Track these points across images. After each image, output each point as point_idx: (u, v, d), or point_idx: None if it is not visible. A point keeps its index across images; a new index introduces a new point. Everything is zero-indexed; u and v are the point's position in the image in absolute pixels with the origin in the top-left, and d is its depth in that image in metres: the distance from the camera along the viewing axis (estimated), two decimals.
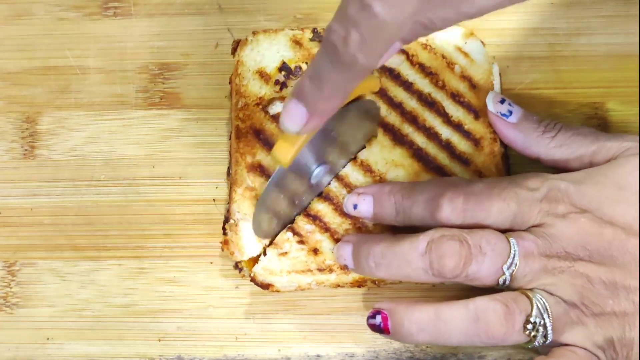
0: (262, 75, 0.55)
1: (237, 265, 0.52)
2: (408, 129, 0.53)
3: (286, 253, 0.51)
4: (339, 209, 0.51)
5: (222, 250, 0.52)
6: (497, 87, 0.54)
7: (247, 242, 0.51)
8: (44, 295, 0.55)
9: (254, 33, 0.56)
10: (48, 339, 0.54)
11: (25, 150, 0.58)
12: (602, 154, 0.48)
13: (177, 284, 0.54)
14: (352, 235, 0.50)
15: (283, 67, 0.55)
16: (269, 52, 0.55)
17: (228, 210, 0.52)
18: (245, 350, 0.53)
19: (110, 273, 0.55)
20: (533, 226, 0.47)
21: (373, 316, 0.48)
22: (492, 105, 0.52)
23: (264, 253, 0.51)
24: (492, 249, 0.46)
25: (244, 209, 0.52)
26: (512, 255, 0.46)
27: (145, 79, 0.59)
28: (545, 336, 0.46)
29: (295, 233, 0.51)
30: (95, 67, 0.60)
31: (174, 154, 0.57)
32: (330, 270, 0.50)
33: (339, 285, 0.51)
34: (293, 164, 0.46)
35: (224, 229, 0.52)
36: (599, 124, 0.56)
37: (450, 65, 0.54)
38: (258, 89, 0.54)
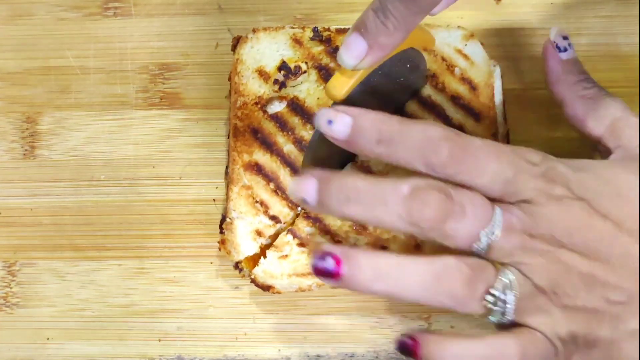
0: (262, 74, 0.55)
1: (237, 266, 0.52)
2: None
3: (286, 256, 0.51)
4: None
5: (219, 249, 0.52)
6: (498, 89, 0.54)
7: (243, 241, 0.51)
8: (44, 295, 0.55)
9: (254, 31, 0.56)
10: (48, 339, 0.54)
11: (25, 150, 0.58)
12: (614, 136, 0.48)
13: (177, 284, 0.54)
14: (313, 170, 0.44)
15: (283, 66, 0.55)
16: (269, 51, 0.55)
17: (225, 209, 0.52)
18: (245, 350, 0.53)
19: (110, 273, 0.55)
20: (524, 201, 0.44)
21: (322, 257, 0.43)
22: (553, 34, 0.51)
23: (264, 255, 0.51)
24: (474, 211, 0.43)
25: (239, 207, 0.52)
26: (493, 223, 0.43)
27: (145, 79, 0.59)
28: (504, 313, 0.44)
29: (295, 236, 0.51)
30: (95, 67, 0.60)
31: (174, 154, 0.57)
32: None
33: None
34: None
35: (220, 228, 0.52)
36: None
37: (450, 67, 0.54)
38: (257, 87, 0.54)
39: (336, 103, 0.46)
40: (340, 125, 0.43)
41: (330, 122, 0.44)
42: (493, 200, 0.44)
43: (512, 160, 0.44)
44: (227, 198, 0.53)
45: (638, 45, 0.57)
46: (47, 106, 0.59)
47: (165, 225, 0.56)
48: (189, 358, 0.53)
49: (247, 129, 0.53)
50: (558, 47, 0.51)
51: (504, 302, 0.44)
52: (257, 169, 0.52)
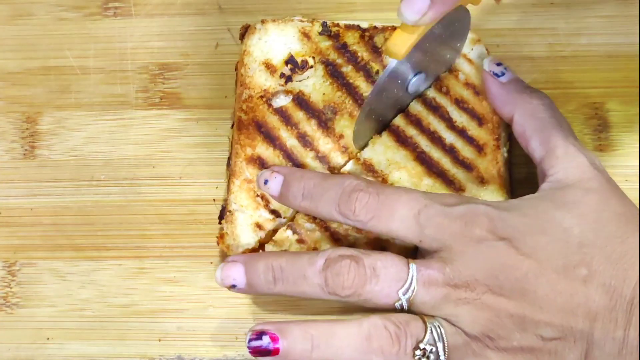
0: (269, 66, 0.55)
1: None
2: (412, 131, 0.53)
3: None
4: None
5: (218, 244, 0.52)
6: None
7: (242, 233, 0.51)
8: (44, 295, 0.55)
9: (263, 22, 0.56)
10: (48, 339, 0.54)
11: (25, 150, 0.58)
12: (551, 163, 0.48)
13: (177, 284, 0.54)
14: (237, 255, 0.49)
15: (290, 60, 0.54)
16: (277, 43, 0.55)
17: (225, 201, 0.52)
18: (245, 350, 0.53)
19: (110, 273, 0.55)
20: (444, 246, 0.45)
21: (258, 337, 0.46)
22: (487, 65, 0.52)
23: (262, 249, 0.51)
24: (387, 272, 0.45)
25: (240, 200, 0.52)
26: (409, 280, 0.45)
27: (145, 79, 0.59)
28: None
29: (295, 232, 0.51)
30: (95, 67, 0.60)
31: (174, 154, 0.57)
32: None
33: None
34: (392, 77, 0.47)
35: (220, 220, 0.52)
36: (599, 124, 0.56)
37: (454, 72, 0.54)
38: (263, 80, 0.54)
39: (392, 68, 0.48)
40: (273, 184, 0.49)
41: (266, 181, 0.49)
42: (415, 250, 0.47)
43: (425, 204, 0.45)
44: (227, 190, 0.53)
45: (638, 45, 0.57)
46: (47, 106, 0.59)
47: (165, 225, 0.56)
48: (189, 358, 0.53)
49: (251, 122, 0.53)
50: (495, 74, 0.52)
51: (436, 354, 0.44)
52: (259, 162, 0.52)
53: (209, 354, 0.53)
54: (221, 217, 0.52)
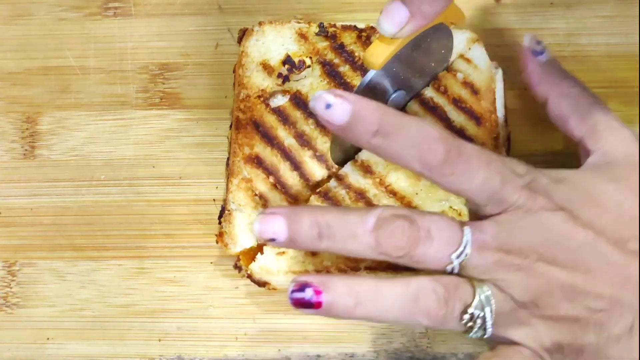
0: (266, 67, 0.55)
1: (237, 265, 0.52)
2: None
3: (283, 253, 0.51)
4: None
5: (217, 242, 0.52)
6: (499, 92, 0.54)
7: (241, 233, 0.51)
8: (44, 295, 0.55)
9: (260, 23, 0.56)
10: (48, 339, 0.54)
11: (25, 150, 0.58)
12: (594, 138, 0.48)
13: (177, 284, 0.54)
14: (277, 207, 0.46)
15: (287, 60, 0.55)
16: (274, 44, 0.55)
17: (224, 201, 0.53)
18: (245, 350, 0.53)
19: (110, 273, 0.55)
20: (505, 211, 0.44)
21: (301, 289, 0.43)
22: (527, 40, 0.52)
23: (261, 251, 0.51)
24: (441, 235, 0.43)
25: (239, 199, 0.52)
26: (463, 244, 0.43)
27: (145, 79, 0.59)
28: (484, 329, 0.44)
29: None
30: (95, 67, 0.60)
31: (174, 154, 0.57)
32: (328, 272, 0.50)
33: None
34: (370, 88, 0.47)
35: (219, 220, 0.52)
36: None
37: (452, 71, 0.54)
38: (261, 81, 0.54)
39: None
40: (338, 110, 0.42)
41: (328, 106, 0.42)
42: (477, 207, 0.45)
43: (501, 169, 0.44)
44: (226, 190, 0.53)
45: (638, 45, 0.57)
46: (47, 106, 0.59)
47: (165, 225, 0.56)
48: (189, 358, 0.53)
49: (249, 122, 0.53)
50: (534, 52, 0.52)
51: (483, 319, 0.44)
52: (257, 162, 0.52)
53: (209, 354, 0.53)
54: (221, 216, 0.52)
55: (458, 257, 0.44)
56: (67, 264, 0.55)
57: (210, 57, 0.59)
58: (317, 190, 0.52)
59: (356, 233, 0.43)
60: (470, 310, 0.44)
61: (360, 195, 0.51)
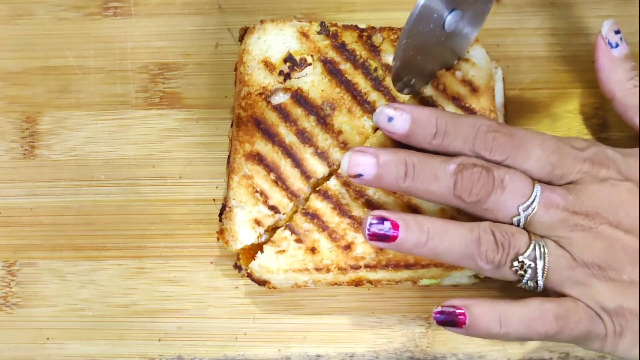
0: (267, 64, 0.55)
1: (236, 265, 0.52)
2: None
3: (283, 251, 0.51)
4: (337, 208, 0.51)
5: (218, 240, 0.52)
6: (499, 91, 0.54)
7: (241, 230, 0.51)
8: (44, 295, 0.55)
9: (262, 21, 0.56)
10: (48, 339, 0.54)
11: (25, 150, 0.58)
12: None
13: (177, 284, 0.54)
14: (365, 147, 0.48)
15: (288, 58, 0.55)
16: (276, 42, 0.55)
17: (225, 198, 0.53)
18: (245, 350, 0.53)
19: (110, 273, 0.55)
20: (570, 182, 0.47)
21: (380, 222, 0.47)
22: (605, 29, 0.52)
23: (261, 250, 0.51)
24: (513, 185, 0.46)
25: (239, 196, 0.52)
26: (531, 198, 0.46)
27: (145, 79, 0.59)
28: (535, 282, 0.46)
29: (293, 231, 0.51)
30: (95, 67, 0.60)
31: (174, 154, 0.57)
32: (328, 270, 0.50)
33: (335, 284, 0.51)
34: (425, 10, 0.47)
35: (220, 217, 0.52)
36: (599, 123, 0.56)
37: (451, 69, 0.54)
38: (262, 78, 0.54)
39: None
40: (400, 121, 0.48)
41: (390, 119, 0.48)
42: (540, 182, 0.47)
43: (557, 145, 0.47)
44: (227, 187, 0.53)
45: (638, 45, 0.57)
46: (47, 106, 0.59)
47: (165, 225, 0.56)
48: (189, 358, 0.53)
49: (249, 119, 0.53)
50: (610, 43, 0.52)
51: (534, 270, 0.46)
52: (258, 158, 0.52)
53: (209, 354, 0.53)
54: (221, 214, 0.52)
55: (525, 210, 0.46)
56: (67, 264, 0.55)
57: (210, 57, 0.59)
58: (317, 189, 0.52)
59: (438, 175, 0.47)
60: (520, 258, 0.46)
61: (360, 194, 0.51)
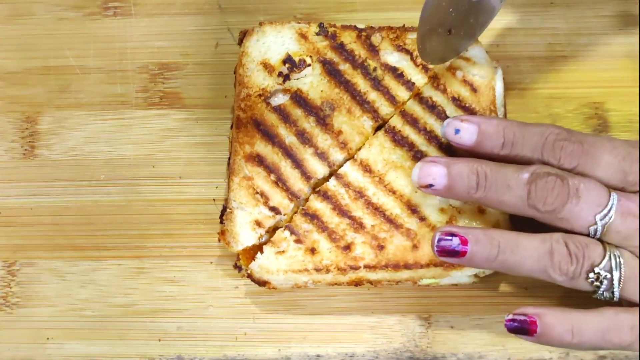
0: (266, 66, 0.55)
1: (236, 265, 0.52)
2: (409, 131, 0.53)
3: (283, 252, 0.51)
4: (337, 209, 0.51)
5: (219, 241, 0.52)
6: (499, 91, 0.54)
7: (242, 231, 0.51)
8: (44, 295, 0.55)
9: (261, 24, 0.56)
10: (48, 339, 0.54)
11: (25, 150, 0.58)
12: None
13: (177, 284, 0.54)
14: (436, 157, 0.48)
15: (287, 59, 0.55)
16: (274, 44, 0.55)
17: (226, 200, 0.53)
18: (245, 350, 0.53)
19: (110, 273, 0.55)
20: None
21: (448, 238, 0.47)
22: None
23: (261, 250, 0.51)
24: (588, 194, 0.46)
25: (240, 198, 0.52)
26: (608, 207, 0.46)
27: (145, 79, 0.59)
28: (612, 292, 0.46)
29: (292, 232, 0.51)
30: (95, 67, 0.60)
31: (174, 154, 0.57)
32: (327, 271, 0.50)
33: (335, 284, 0.51)
34: None
35: (221, 218, 0.52)
36: (599, 123, 0.56)
37: (452, 70, 0.54)
38: (261, 80, 0.54)
39: None
40: (467, 133, 0.48)
41: (457, 131, 0.48)
42: (615, 189, 0.47)
43: (628, 152, 0.47)
44: (228, 188, 0.53)
45: (638, 45, 0.57)
46: (47, 106, 0.59)
47: (165, 225, 0.56)
48: (189, 358, 0.53)
49: (249, 121, 0.53)
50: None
51: (609, 281, 0.46)
52: (258, 160, 0.52)
53: (209, 354, 0.53)
54: (222, 215, 0.52)
55: (602, 219, 0.46)
56: (67, 263, 0.55)
57: (210, 57, 0.59)
58: (317, 189, 0.52)
59: (511, 185, 0.46)
60: (597, 270, 0.46)
61: (360, 194, 0.51)
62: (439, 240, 0.47)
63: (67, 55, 0.60)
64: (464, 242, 0.46)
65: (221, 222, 0.52)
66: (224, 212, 0.52)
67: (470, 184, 0.47)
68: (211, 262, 0.55)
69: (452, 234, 0.46)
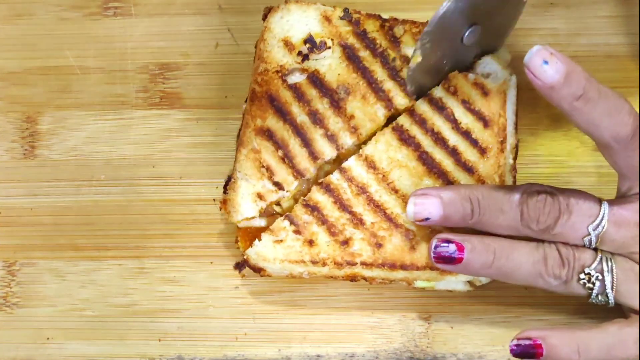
0: (287, 44, 0.55)
1: (237, 265, 0.52)
2: (416, 131, 0.53)
3: (281, 241, 0.51)
4: (338, 202, 0.51)
5: (220, 209, 0.52)
6: (511, 98, 0.53)
7: (243, 202, 0.51)
8: (44, 295, 0.55)
9: (286, 1, 0.56)
10: (48, 339, 0.54)
11: (25, 150, 0.58)
12: None
13: (177, 284, 0.54)
14: (425, 189, 0.48)
15: (309, 39, 0.55)
16: (298, 23, 0.55)
17: (232, 170, 0.52)
18: (245, 350, 0.53)
19: (111, 273, 0.55)
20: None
21: (445, 245, 0.47)
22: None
23: (259, 237, 0.51)
24: (579, 207, 0.46)
25: (245, 169, 0.52)
26: (600, 217, 0.46)
27: (145, 79, 0.59)
28: (605, 295, 0.46)
29: (292, 222, 0.51)
30: (95, 67, 0.60)
31: (174, 154, 0.57)
32: (324, 264, 0.50)
33: (331, 277, 0.51)
34: (444, 20, 0.48)
35: (225, 188, 0.52)
36: None
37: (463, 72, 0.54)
38: (281, 57, 0.55)
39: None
40: (552, 70, 0.44)
41: (545, 62, 0.44)
42: (631, 188, 0.46)
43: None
44: (235, 159, 0.52)
45: (638, 45, 0.57)
46: (47, 106, 0.59)
47: (165, 225, 0.56)
48: (189, 358, 0.53)
49: (264, 95, 0.53)
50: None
51: (602, 283, 0.46)
52: (268, 134, 0.53)
53: (209, 354, 0.53)
54: (226, 185, 0.52)
55: (595, 229, 0.46)
56: (67, 264, 0.55)
57: (210, 57, 0.59)
58: (320, 181, 0.52)
59: (504, 208, 0.47)
60: (587, 270, 0.46)
61: (362, 190, 0.51)
62: (436, 247, 0.47)
63: (67, 55, 0.60)
64: (461, 249, 0.47)
65: (224, 192, 0.52)
66: (228, 182, 0.52)
67: (465, 212, 0.47)
68: (211, 262, 0.55)
69: (449, 241, 0.47)
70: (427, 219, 0.48)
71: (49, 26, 0.61)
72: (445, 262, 0.47)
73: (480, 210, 0.47)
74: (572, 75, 0.44)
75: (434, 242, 0.47)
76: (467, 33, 0.51)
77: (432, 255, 0.47)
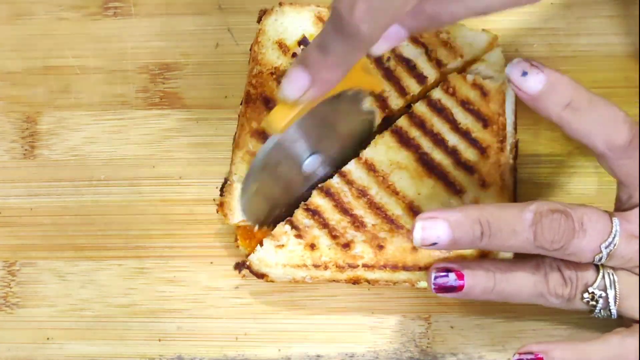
0: (281, 46, 0.55)
1: (237, 265, 0.52)
2: (415, 133, 0.53)
3: (283, 246, 0.51)
4: (339, 206, 0.51)
5: (217, 212, 0.52)
6: (510, 98, 0.53)
7: (238, 204, 0.51)
8: (44, 295, 0.55)
9: (281, 4, 0.56)
10: (48, 339, 0.54)
11: (25, 150, 0.58)
12: None
13: (177, 284, 0.54)
14: (432, 212, 0.45)
15: (303, 41, 0.55)
16: (292, 25, 0.56)
17: (228, 173, 0.52)
18: (245, 350, 0.53)
19: (111, 273, 0.55)
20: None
21: (444, 275, 0.47)
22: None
23: (261, 243, 0.51)
24: (593, 226, 0.45)
25: (241, 171, 0.52)
26: (612, 234, 0.45)
27: (145, 79, 0.59)
28: (608, 310, 0.46)
29: (293, 226, 0.51)
30: (95, 67, 0.60)
31: (174, 154, 0.57)
32: (326, 267, 0.50)
33: (333, 281, 0.51)
34: (282, 149, 0.47)
35: (221, 191, 0.52)
36: None
37: (462, 72, 0.54)
38: (275, 58, 0.55)
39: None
40: (533, 81, 0.43)
41: (525, 74, 0.43)
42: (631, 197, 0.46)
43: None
44: (231, 162, 0.53)
45: (638, 45, 0.57)
46: (47, 106, 0.59)
47: (165, 225, 0.56)
48: (189, 358, 0.53)
49: (259, 97, 0.54)
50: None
51: (605, 299, 0.46)
52: (263, 136, 0.53)
53: (209, 354, 0.53)
54: (223, 188, 0.52)
55: (607, 247, 0.45)
56: (67, 264, 0.55)
57: (210, 57, 0.59)
58: (320, 185, 0.52)
59: (516, 229, 0.44)
60: (590, 289, 0.46)
61: (363, 193, 0.51)
62: (435, 277, 0.47)
63: (67, 55, 0.60)
64: (460, 277, 0.47)
65: (221, 195, 0.52)
66: (225, 185, 0.52)
67: (475, 235, 0.45)
68: (211, 262, 0.55)
69: (448, 270, 0.47)
70: (435, 243, 0.45)
71: (49, 26, 0.61)
72: (447, 291, 0.47)
73: (491, 232, 0.45)
74: (557, 84, 0.44)
75: (433, 273, 0.47)
76: (307, 161, 0.51)
77: (432, 286, 0.47)
